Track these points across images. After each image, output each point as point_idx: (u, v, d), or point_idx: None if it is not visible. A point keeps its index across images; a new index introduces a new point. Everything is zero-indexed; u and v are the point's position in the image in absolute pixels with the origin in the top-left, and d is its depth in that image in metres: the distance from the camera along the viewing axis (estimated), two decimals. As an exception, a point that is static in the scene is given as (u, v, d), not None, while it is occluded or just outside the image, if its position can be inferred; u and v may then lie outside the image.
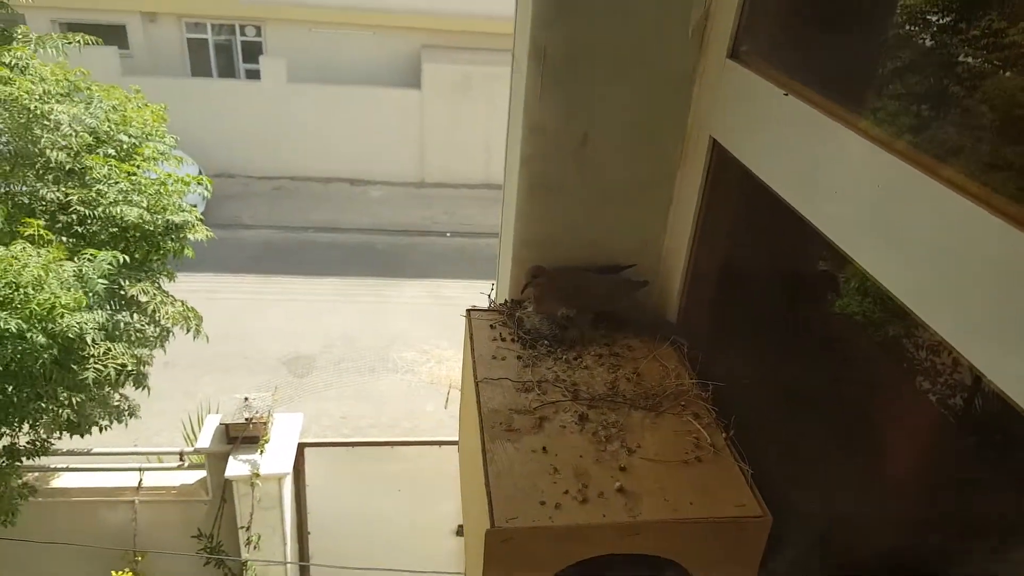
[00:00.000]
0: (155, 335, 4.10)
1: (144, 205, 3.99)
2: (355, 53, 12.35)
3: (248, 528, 4.25)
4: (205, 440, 4.26)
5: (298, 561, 4.65)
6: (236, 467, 4.14)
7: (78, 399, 3.48)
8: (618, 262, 1.88)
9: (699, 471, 1.43)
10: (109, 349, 3.58)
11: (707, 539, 1.36)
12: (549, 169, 1.76)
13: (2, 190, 4.03)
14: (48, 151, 3.92)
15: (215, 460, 4.25)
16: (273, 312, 9.01)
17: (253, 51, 12.46)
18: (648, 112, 1.72)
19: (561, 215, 1.82)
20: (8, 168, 4.03)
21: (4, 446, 3.67)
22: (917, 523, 1.43)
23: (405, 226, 11.39)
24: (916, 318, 1.04)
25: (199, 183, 4.47)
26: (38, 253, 3.42)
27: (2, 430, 3.51)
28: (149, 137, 4.43)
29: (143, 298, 3.91)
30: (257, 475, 4.13)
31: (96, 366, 3.49)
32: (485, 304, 1.96)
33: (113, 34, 11.47)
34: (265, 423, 4.25)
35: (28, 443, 3.73)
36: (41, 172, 4.03)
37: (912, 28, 1.25)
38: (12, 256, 3.32)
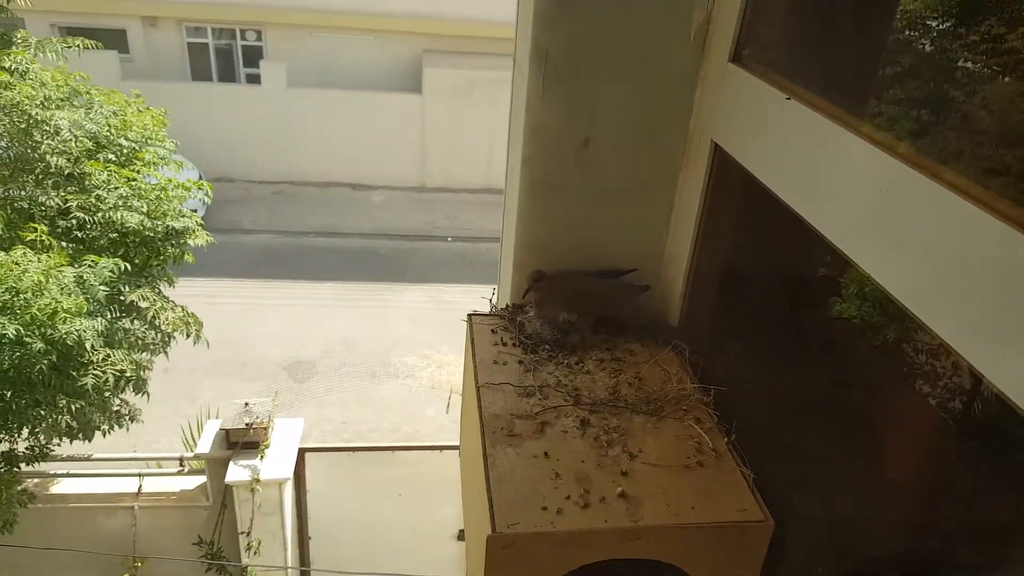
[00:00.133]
0: (155, 341, 4.10)
1: (144, 210, 3.99)
2: (356, 57, 12.38)
3: (248, 533, 4.23)
4: (205, 445, 4.25)
5: (299, 566, 4.63)
6: (236, 472, 4.13)
7: (77, 405, 3.47)
8: (620, 266, 1.88)
9: (701, 475, 1.43)
10: (108, 355, 3.58)
11: (709, 544, 1.35)
12: (550, 170, 1.76)
13: (1, 196, 4.03)
14: (48, 156, 3.93)
15: (215, 465, 4.24)
16: (273, 317, 9.01)
17: (254, 55, 12.50)
18: (650, 115, 1.72)
19: (562, 217, 1.82)
20: (8, 173, 4.04)
21: (2, 452, 3.66)
22: (917, 526, 1.42)
23: (406, 230, 11.40)
24: (917, 320, 1.04)
25: (199, 188, 4.47)
26: (38, 259, 3.42)
27: (1, 436, 3.50)
28: (149, 142, 4.43)
29: (143, 304, 3.91)
30: (257, 480, 4.12)
31: (95, 372, 3.49)
32: (486, 309, 1.96)
33: (113, 38, 11.50)
34: (265, 428, 4.24)
35: (27, 449, 3.72)
36: (41, 177, 4.03)
37: (912, 33, 1.26)
38: (13, 262, 3.32)
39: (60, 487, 4.29)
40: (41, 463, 3.81)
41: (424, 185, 12.57)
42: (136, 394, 3.96)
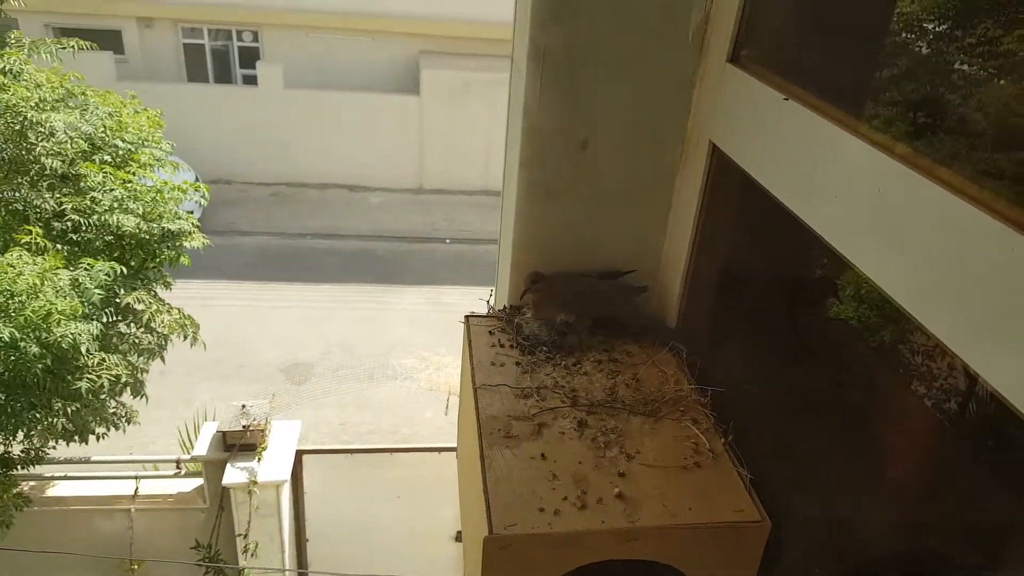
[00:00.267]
0: (150, 344, 4.08)
1: (140, 213, 3.98)
2: (353, 59, 12.37)
3: (246, 536, 4.22)
4: (202, 448, 4.23)
5: (296, 569, 4.62)
6: (233, 475, 4.11)
7: (73, 408, 3.45)
8: (617, 267, 1.88)
9: (698, 476, 1.43)
10: (103, 360, 3.56)
11: (706, 544, 1.35)
12: (548, 172, 1.76)
13: (-4, 197, 4.01)
14: (43, 158, 3.91)
15: (212, 468, 4.23)
16: (271, 319, 8.98)
17: (250, 56, 12.47)
18: (648, 115, 1.72)
19: (560, 218, 1.82)
20: (2, 175, 4.02)
21: (-2, 455, 3.64)
22: (912, 526, 1.42)
23: (404, 232, 11.38)
24: (914, 321, 1.04)
25: (196, 190, 4.46)
26: (34, 261, 3.40)
27: (-4, 439, 3.48)
28: (145, 143, 4.42)
29: (139, 307, 3.90)
30: (255, 482, 4.11)
31: (90, 376, 3.47)
32: (484, 310, 1.96)
33: (108, 39, 11.45)
34: (263, 430, 4.23)
35: (22, 452, 3.70)
36: (36, 179, 4.01)
37: (909, 35, 1.26)
38: (8, 264, 3.30)
39: (56, 490, 4.27)
40: (37, 466, 3.79)
41: (422, 187, 12.57)
42: (135, 397, 3.95)
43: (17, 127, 3.92)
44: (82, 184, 4.02)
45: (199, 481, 4.36)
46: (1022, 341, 0.87)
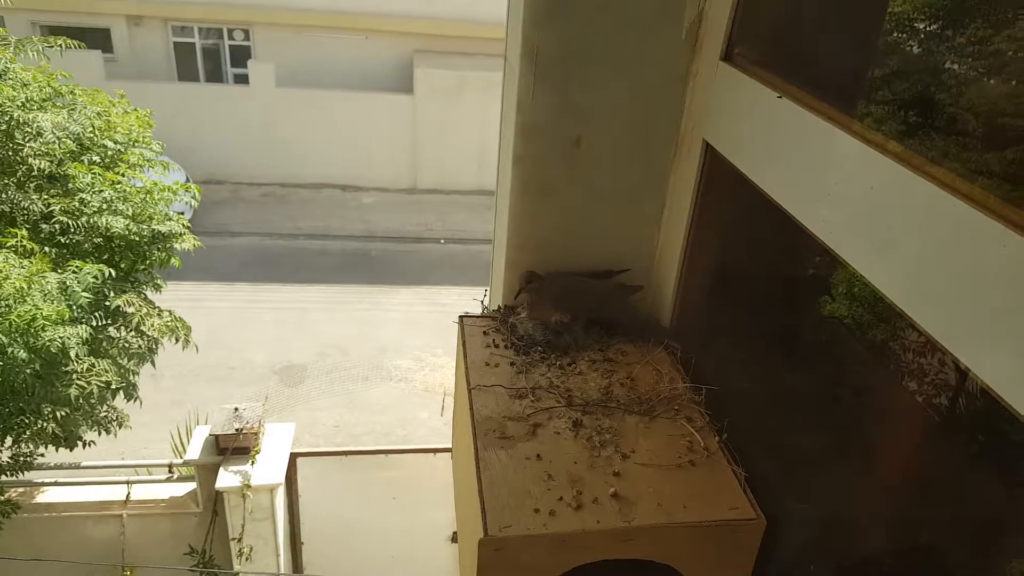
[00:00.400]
0: (140, 349, 4.03)
1: (129, 214, 3.93)
2: (346, 57, 12.31)
3: (240, 539, 4.19)
4: (194, 451, 4.20)
5: (291, 572, 4.59)
6: (227, 478, 4.08)
7: (62, 413, 3.41)
8: (611, 266, 1.88)
9: (693, 475, 1.43)
10: (93, 365, 3.51)
11: (701, 543, 1.36)
12: (542, 171, 1.75)
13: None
14: (30, 159, 3.86)
15: (205, 472, 4.19)
16: (263, 321, 8.92)
17: (241, 55, 12.38)
18: (641, 113, 1.72)
19: (554, 218, 1.81)
20: (-11, 176, 3.96)
21: (-15, 462, 3.59)
22: (905, 523, 1.43)
23: (398, 232, 11.35)
24: (906, 318, 1.04)
25: (186, 190, 4.42)
26: (21, 264, 3.35)
27: (-15, 444, 3.43)
28: (135, 143, 4.37)
29: (129, 309, 3.85)
30: (248, 486, 4.07)
31: (79, 382, 3.42)
32: (478, 310, 1.95)
33: (97, 37, 11.34)
34: (256, 433, 4.20)
35: (11, 458, 3.65)
36: (23, 180, 3.96)
37: (900, 35, 1.26)
38: (-6, 267, 3.25)
39: (47, 496, 4.22)
40: (27, 472, 3.74)
41: (415, 186, 12.53)
42: (128, 400, 3.90)
43: (3, 127, 3.86)
44: (70, 185, 3.97)
45: (192, 485, 4.32)
46: (1013, 336, 0.88)
